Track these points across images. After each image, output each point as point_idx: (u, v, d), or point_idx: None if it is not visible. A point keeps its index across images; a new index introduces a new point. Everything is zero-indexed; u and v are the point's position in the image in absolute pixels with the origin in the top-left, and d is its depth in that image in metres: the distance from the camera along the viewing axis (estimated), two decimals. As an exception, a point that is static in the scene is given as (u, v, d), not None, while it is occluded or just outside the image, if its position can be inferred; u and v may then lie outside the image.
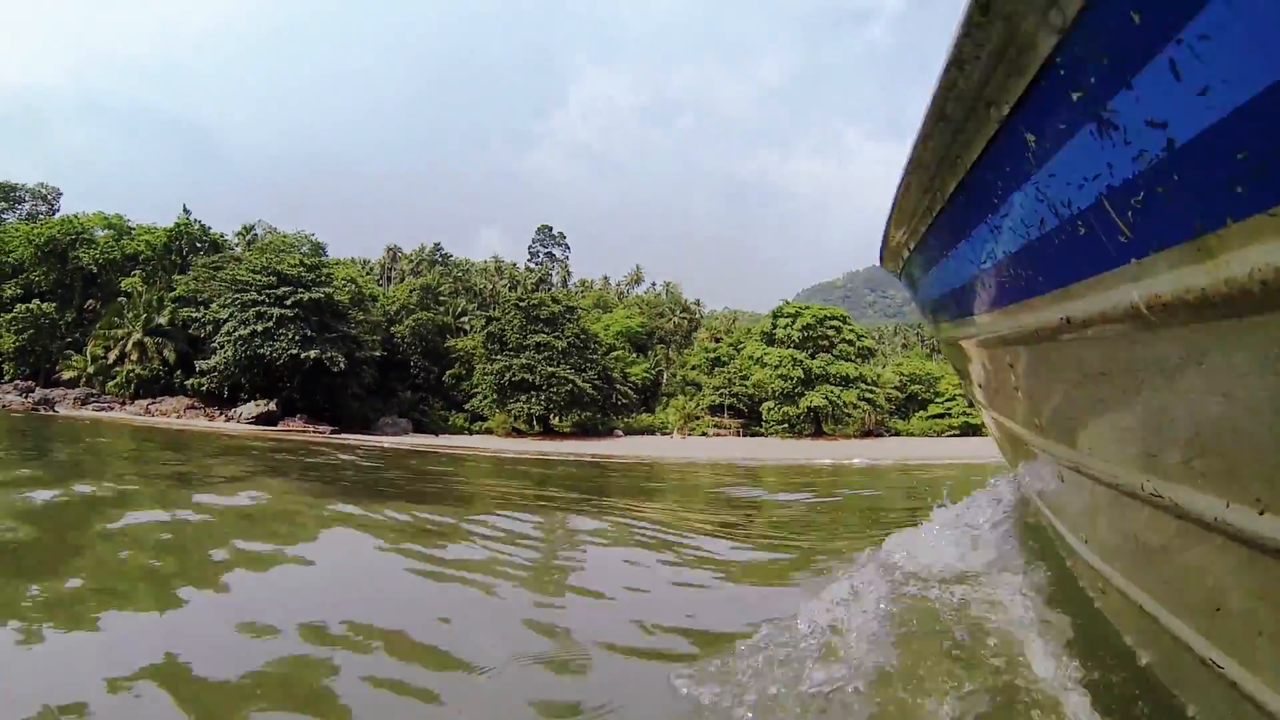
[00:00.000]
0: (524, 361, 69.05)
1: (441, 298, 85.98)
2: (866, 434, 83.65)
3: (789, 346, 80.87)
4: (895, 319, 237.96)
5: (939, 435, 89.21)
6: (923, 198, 2.60)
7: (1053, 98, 1.49)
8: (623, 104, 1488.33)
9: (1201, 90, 1.09)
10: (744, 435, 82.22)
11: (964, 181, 2.16)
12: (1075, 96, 1.41)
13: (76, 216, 73.87)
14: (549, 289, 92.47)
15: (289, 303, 59.99)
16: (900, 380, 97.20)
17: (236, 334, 59.13)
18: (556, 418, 72.22)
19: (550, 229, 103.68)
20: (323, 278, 64.42)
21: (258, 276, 61.47)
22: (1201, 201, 1.20)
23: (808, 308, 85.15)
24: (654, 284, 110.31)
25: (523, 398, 69.45)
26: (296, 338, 59.80)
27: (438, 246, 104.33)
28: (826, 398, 78.92)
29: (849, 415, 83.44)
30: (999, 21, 1.40)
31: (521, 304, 73.34)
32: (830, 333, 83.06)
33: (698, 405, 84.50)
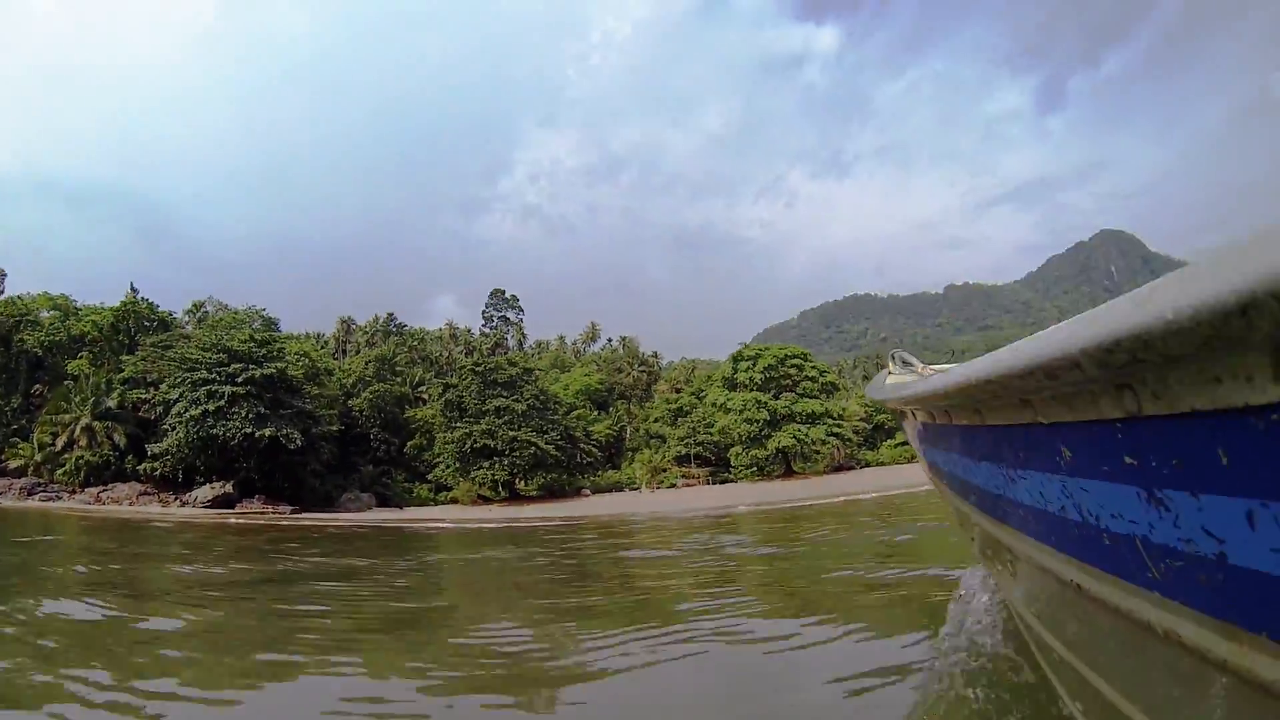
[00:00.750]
0: (484, 427, 67.97)
1: (398, 368, 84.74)
2: (838, 469, 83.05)
3: (752, 389, 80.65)
4: (852, 352, 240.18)
5: (911, 461, 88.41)
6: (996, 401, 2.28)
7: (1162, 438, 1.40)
8: (569, 164, 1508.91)
9: (1274, 548, 1.13)
10: (713, 483, 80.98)
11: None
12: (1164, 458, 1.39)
13: (20, 298, 72.27)
14: (505, 353, 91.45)
15: (240, 380, 58.11)
16: (865, 412, 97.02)
17: (188, 414, 57.07)
18: (522, 482, 71.24)
19: (503, 293, 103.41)
20: (274, 353, 62.61)
21: (207, 354, 59.67)
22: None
23: (767, 349, 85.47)
24: (610, 340, 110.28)
25: (486, 464, 68.37)
26: (250, 416, 57.80)
27: (391, 317, 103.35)
28: (794, 437, 78.55)
29: (817, 452, 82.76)
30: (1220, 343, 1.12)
31: (478, 369, 72.57)
32: (792, 372, 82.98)
33: (664, 457, 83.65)
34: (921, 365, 4.89)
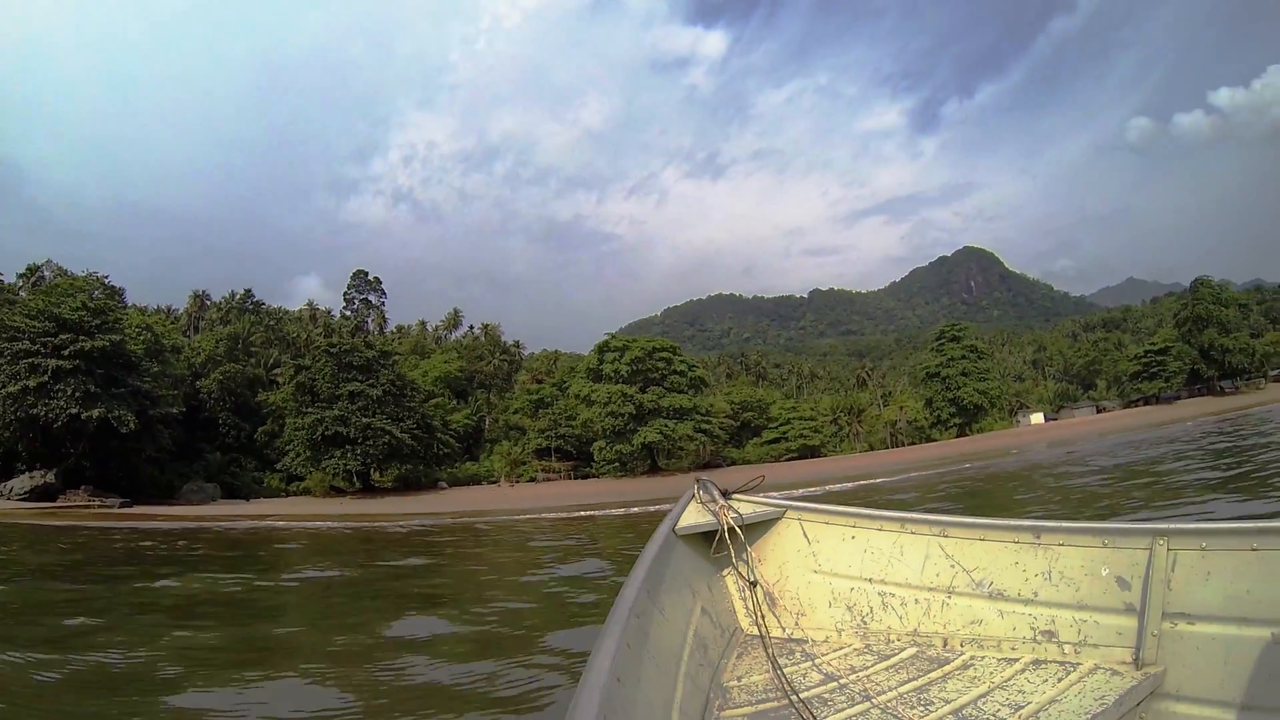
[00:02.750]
0: (337, 413, 64.43)
1: (253, 348, 79.79)
2: (704, 466, 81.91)
3: (618, 382, 78.96)
4: (715, 350, 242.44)
5: (778, 460, 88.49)
6: None
7: None
8: (444, 149, 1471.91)
9: None
10: (575, 478, 78.58)
11: None
12: None
13: None
14: (365, 336, 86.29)
15: (67, 353, 52.32)
16: (733, 409, 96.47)
17: (5, 390, 51.16)
18: (376, 472, 68.04)
19: (366, 274, 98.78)
20: (110, 324, 56.41)
21: (33, 323, 53.23)
22: None
23: (635, 340, 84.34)
24: (472, 327, 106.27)
25: (338, 453, 65.15)
26: (77, 394, 52.18)
27: (249, 294, 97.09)
28: (661, 432, 77.03)
29: (682, 449, 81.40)
30: None
31: (333, 350, 68.57)
32: (660, 365, 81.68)
33: (524, 450, 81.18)
34: (722, 500, 4.16)
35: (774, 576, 4.06)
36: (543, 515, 35.73)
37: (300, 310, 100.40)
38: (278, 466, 69.02)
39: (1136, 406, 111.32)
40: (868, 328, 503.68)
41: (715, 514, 3.97)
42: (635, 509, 36.13)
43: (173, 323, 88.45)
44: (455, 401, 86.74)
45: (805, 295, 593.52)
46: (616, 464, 78.85)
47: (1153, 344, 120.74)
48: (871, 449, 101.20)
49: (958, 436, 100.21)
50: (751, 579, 3.95)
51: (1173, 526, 2.95)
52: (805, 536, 4.05)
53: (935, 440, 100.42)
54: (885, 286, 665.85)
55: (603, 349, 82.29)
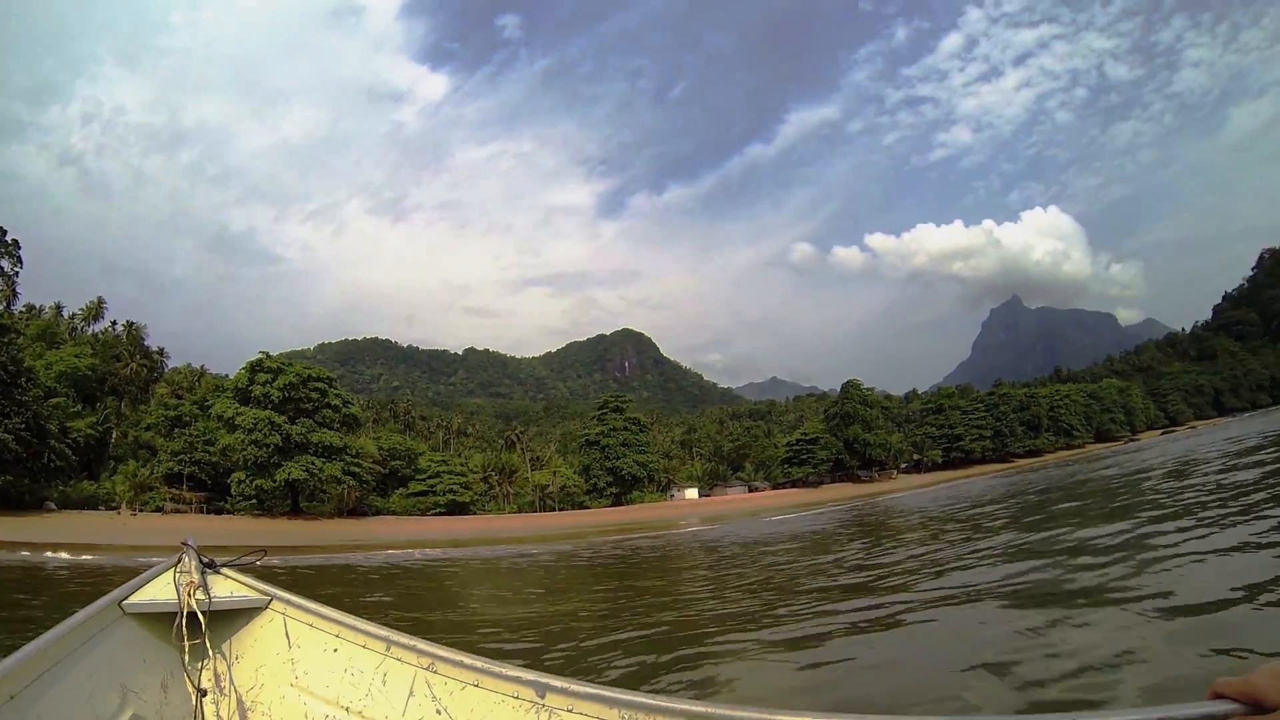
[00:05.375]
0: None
1: None
2: (350, 512, 78.65)
3: (267, 407, 73.51)
4: (363, 395, 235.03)
5: (424, 514, 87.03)
6: None
7: None
8: (133, 118, 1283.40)
9: None
10: (207, 512, 72.01)
11: None
12: None
13: None
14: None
15: None
16: (382, 454, 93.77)
17: None
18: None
19: (4, 233, 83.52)
20: None
21: None
22: None
23: (292, 365, 79.02)
24: (115, 323, 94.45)
25: None
26: None
27: None
28: (308, 469, 72.58)
29: (326, 492, 77.50)
30: None
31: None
32: (315, 395, 78.01)
33: (152, 473, 72.88)
34: (196, 576, 3.43)
35: (248, 684, 3.39)
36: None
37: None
38: None
39: (784, 489, 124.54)
40: (518, 392, 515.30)
41: (181, 591, 3.33)
42: (275, 561, 33.42)
43: None
44: (81, 406, 75.48)
45: (460, 352, 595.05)
46: (255, 501, 73.05)
47: (804, 433, 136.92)
48: (520, 511, 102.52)
49: (612, 505, 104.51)
50: (201, 687, 3.24)
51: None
52: (288, 638, 3.47)
53: (588, 508, 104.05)
54: (540, 355, 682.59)
55: (255, 368, 75.95)
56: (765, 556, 23.21)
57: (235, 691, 3.36)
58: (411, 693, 3.09)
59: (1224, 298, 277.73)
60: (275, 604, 3.52)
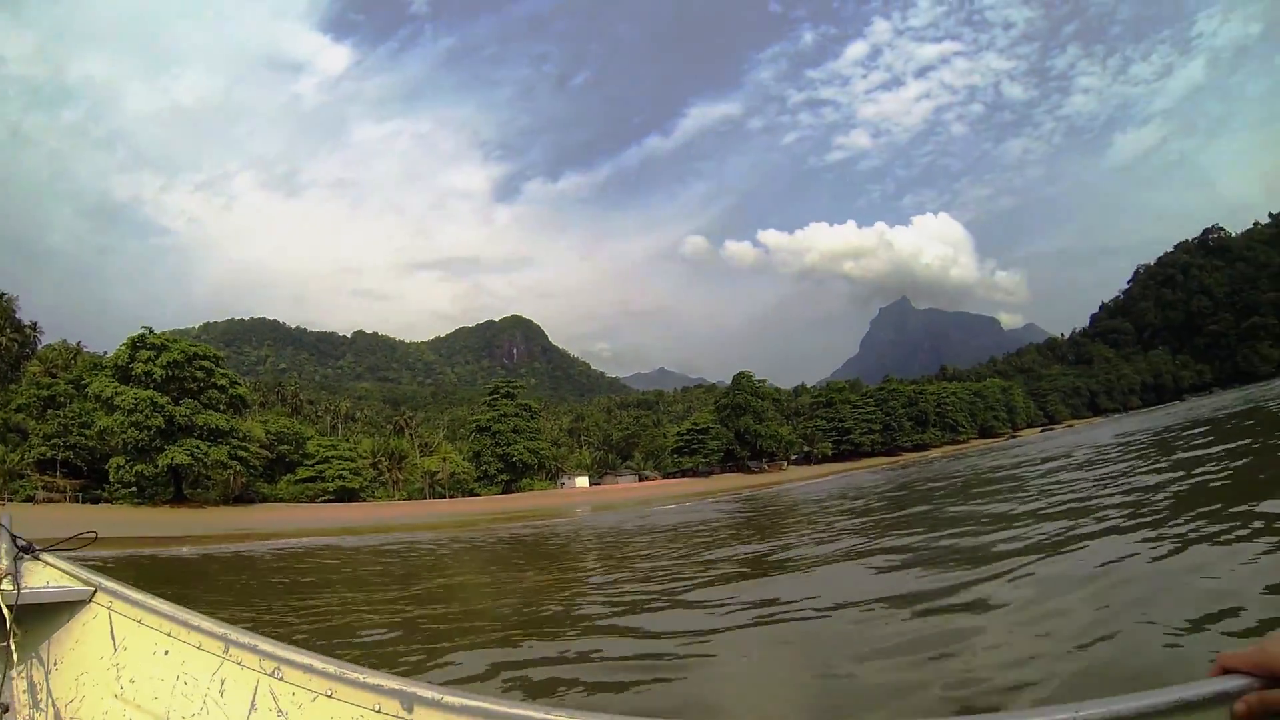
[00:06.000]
0: None
1: None
2: (236, 499, 75.72)
3: (149, 386, 69.94)
4: (249, 377, 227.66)
5: (313, 501, 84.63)
6: None
7: None
8: (12, 70, 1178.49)
9: None
10: (83, 500, 68.24)
11: None
12: None
13: None
14: None
15: None
16: (269, 439, 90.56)
17: None
18: None
19: None
20: None
21: None
22: None
23: (177, 342, 75.44)
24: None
25: None
26: None
27: None
28: (192, 454, 69.33)
29: (211, 478, 74.47)
30: None
31: None
32: (200, 375, 74.88)
33: (22, 459, 68.25)
34: (6, 562, 2.87)
35: (66, 696, 2.81)
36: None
37: None
38: None
39: (674, 478, 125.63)
40: (406, 377, 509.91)
41: None
42: (148, 550, 31.74)
43: None
44: (-60, 385, 70.10)
45: (349, 335, 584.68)
46: (135, 488, 69.31)
47: (695, 423, 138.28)
48: (410, 498, 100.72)
49: (503, 493, 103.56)
50: (3, 701, 2.76)
51: None
52: (113, 638, 2.85)
53: (478, 495, 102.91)
54: (429, 340, 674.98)
55: (136, 344, 71.81)
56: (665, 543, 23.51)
57: (52, 706, 2.78)
58: (254, 705, 2.52)
59: (1101, 307, 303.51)
60: (100, 596, 2.90)
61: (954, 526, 15.95)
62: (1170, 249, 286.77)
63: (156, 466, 68.42)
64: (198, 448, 70.01)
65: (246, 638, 2.60)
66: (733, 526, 28.64)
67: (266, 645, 2.54)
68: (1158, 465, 22.47)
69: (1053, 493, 20.50)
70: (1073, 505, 16.22)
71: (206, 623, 2.69)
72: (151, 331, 73.86)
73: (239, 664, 2.58)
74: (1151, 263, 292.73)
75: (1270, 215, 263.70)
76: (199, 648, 2.67)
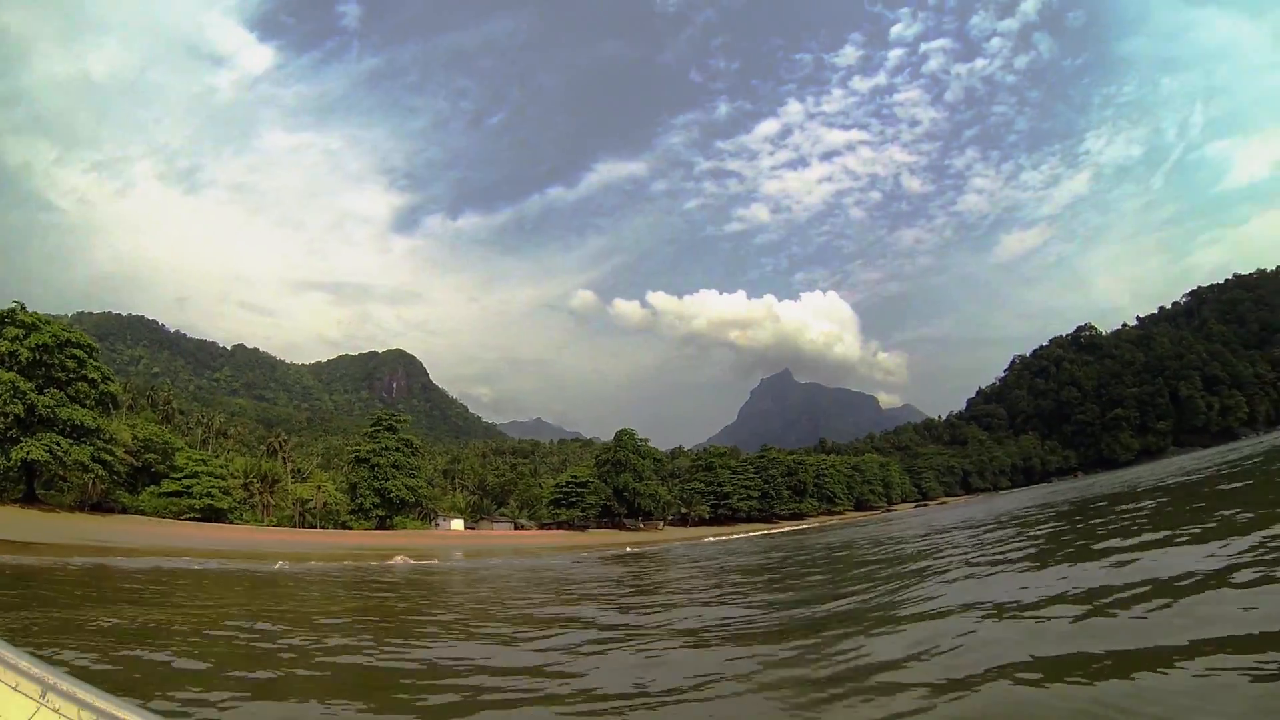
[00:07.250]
0: None
1: None
2: (94, 507, 70.97)
3: (12, 368, 64.72)
4: (120, 376, 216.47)
5: (178, 517, 79.91)
6: None
7: None
8: None
9: None
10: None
11: None
12: None
13: None
14: None
15: None
16: (136, 445, 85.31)
17: None
18: None
19: None
20: None
21: None
22: None
23: (51, 323, 69.78)
24: None
25: None
26: None
27: None
28: (52, 450, 64.22)
29: (68, 481, 69.60)
30: None
31: None
32: (71, 364, 69.09)
33: None
34: None
35: None
36: None
37: None
38: None
39: (550, 529, 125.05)
40: (283, 398, 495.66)
41: None
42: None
43: None
44: None
45: (229, 347, 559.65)
46: (-21, 484, 64.02)
47: (574, 476, 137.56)
48: (279, 524, 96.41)
49: (378, 528, 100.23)
50: None
51: None
52: None
53: (351, 528, 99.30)
54: (310, 364, 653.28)
55: (4, 318, 65.64)
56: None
57: None
58: None
59: (977, 393, 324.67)
60: None
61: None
62: (1045, 343, 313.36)
63: (9, 460, 62.84)
64: (58, 444, 64.61)
65: (67, 683, 2.30)
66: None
67: (86, 694, 2.25)
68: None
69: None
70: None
71: (24, 660, 2.34)
72: (23, 308, 67.69)
73: (56, 712, 2.24)
74: (1028, 354, 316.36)
75: (1137, 318, 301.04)
76: (15, 688, 2.28)
